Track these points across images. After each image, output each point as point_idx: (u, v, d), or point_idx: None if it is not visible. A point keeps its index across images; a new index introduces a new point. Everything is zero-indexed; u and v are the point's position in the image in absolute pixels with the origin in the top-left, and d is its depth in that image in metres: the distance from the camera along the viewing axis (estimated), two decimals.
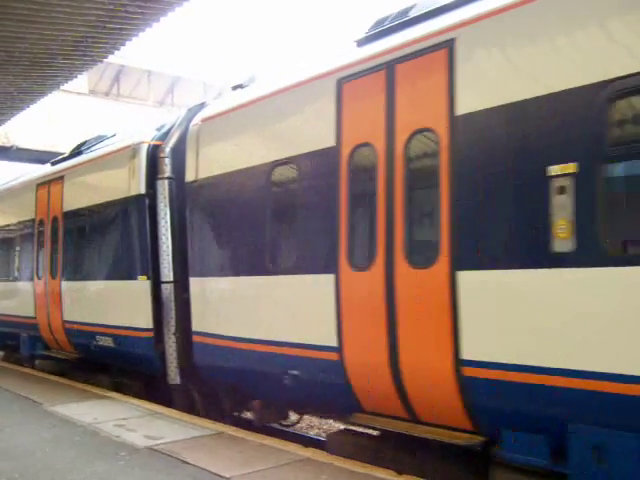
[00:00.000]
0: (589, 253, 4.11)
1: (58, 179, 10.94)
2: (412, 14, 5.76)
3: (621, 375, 3.92)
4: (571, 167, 4.22)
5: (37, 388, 9.75)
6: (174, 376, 7.95)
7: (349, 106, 5.76)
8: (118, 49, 9.87)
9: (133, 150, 8.72)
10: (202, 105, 8.48)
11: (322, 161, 5.97)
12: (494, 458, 4.77)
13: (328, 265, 5.77)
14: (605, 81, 4.12)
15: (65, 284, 10.45)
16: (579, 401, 4.17)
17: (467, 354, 4.73)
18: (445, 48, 5.02)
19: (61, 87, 11.98)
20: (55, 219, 10.93)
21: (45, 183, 11.48)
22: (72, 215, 10.38)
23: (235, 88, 8.17)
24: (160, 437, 6.50)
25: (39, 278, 11.46)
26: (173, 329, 7.92)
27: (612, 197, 4.19)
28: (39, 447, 6.20)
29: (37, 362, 12.43)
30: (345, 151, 5.73)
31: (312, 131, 6.17)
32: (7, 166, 25.49)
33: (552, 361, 4.28)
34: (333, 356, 5.70)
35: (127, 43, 9.60)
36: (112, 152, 9.47)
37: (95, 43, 9.43)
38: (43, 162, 15.20)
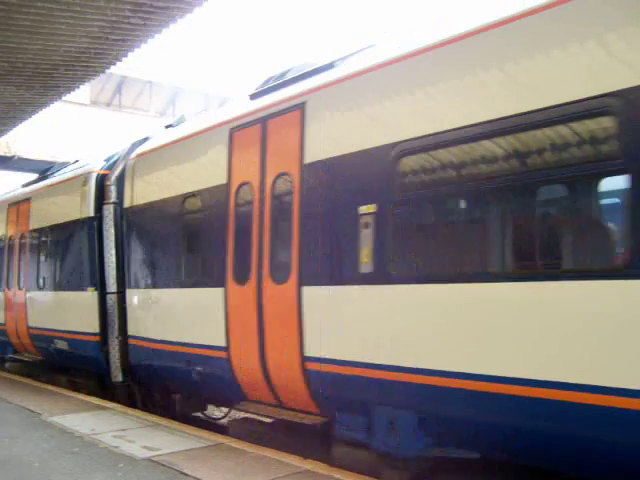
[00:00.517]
0: (381, 274, 5.37)
1: (26, 200, 12.36)
2: (287, 76, 7.09)
3: (400, 367, 5.17)
4: (372, 208, 5.47)
5: (35, 398, 9.72)
6: (117, 374, 9.21)
7: (237, 151, 7.13)
8: (120, 60, 9.95)
9: (85, 178, 10.09)
10: (144, 140, 9.72)
11: (217, 195, 7.28)
12: (333, 435, 5.95)
13: (220, 280, 7.08)
14: (392, 143, 5.33)
15: (29, 294, 11.86)
16: (380, 388, 5.42)
17: (308, 351, 5.98)
18: (299, 109, 6.31)
19: (63, 98, 12.06)
20: (23, 236, 12.37)
21: (16, 204, 12.95)
22: (37, 233, 11.83)
23: (167, 127, 9.71)
24: (159, 448, 6.48)
25: (9, 289, 12.87)
26: (116, 333, 9.16)
27: (397, 231, 5.40)
28: (37, 458, 6.17)
29: (7, 365, 13.85)
30: (233, 188, 7.07)
31: (212, 170, 7.48)
32: (8, 176, 25.56)
33: (366, 356, 5.48)
34: (223, 354, 7.01)
35: (129, 54, 9.67)
36: (69, 179, 10.85)
37: (97, 54, 9.50)
38: (45, 172, 15.37)
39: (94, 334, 9.51)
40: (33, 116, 12.99)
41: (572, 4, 4.33)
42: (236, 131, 7.16)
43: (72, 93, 11.68)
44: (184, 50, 40.21)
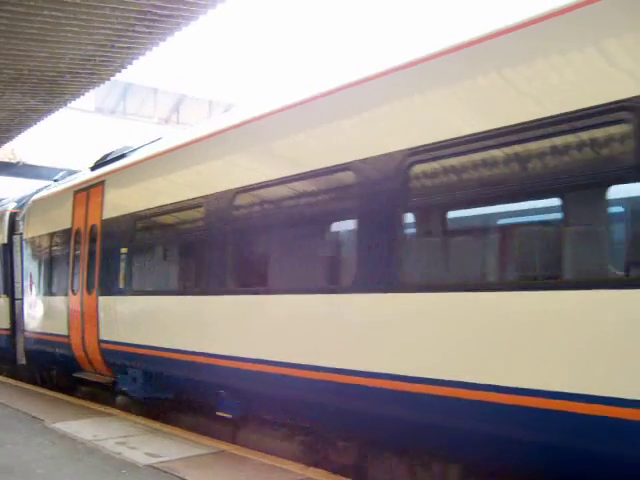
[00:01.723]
0: (125, 289, 8.94)
1: None
2: (108, 158, 10.63)
3: (135, 344, 8.55)
4: (125, 250, 9.04)
5: (38, 404, 9.74)
6: (21, 358, 12.92)
7: (76, 207, 10.67)
8: (125, 68, 10.01)
9: (1, 214, 14.21)
10: (46, 186, 13.32)
11: (65, 235, 10.93)
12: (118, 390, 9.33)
13: (65, 291, 10.69)
14: (132, 213, 9.02)
15: None
16: (131, 358, 8.62)
17: (102, 336, 9.31)
18: (102, 185, 9.87)
19: (68, 105, 12.12)
20: None
21: None
22: None
23: (55, 180, 13.26)
24: (161, 455, 6.48)
25: None
26: (22, 328, 12.60)
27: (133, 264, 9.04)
28: (40, 464, 6.17)
29: None
30: (73, 231, 10.64)
31: (64, 218, 10.96)
32: (13, 183, 25.63)
33: (124, 338, 8.83)
34: (66, 340, 10.43)
35: (134, 62, 9.73)
36: None
37: (103, 62, 9.57)
38: (48, 179, 15.56)
39: (7, 329, 13.49)
40: (38, 123, 13.06)
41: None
42: (77, 193, 10.75)
43: (77, 100, 11.76)
44: (189, 57, 40.32)
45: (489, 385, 4.28)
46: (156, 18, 8.14)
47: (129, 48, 9.08)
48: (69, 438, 7.33)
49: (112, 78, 10.71)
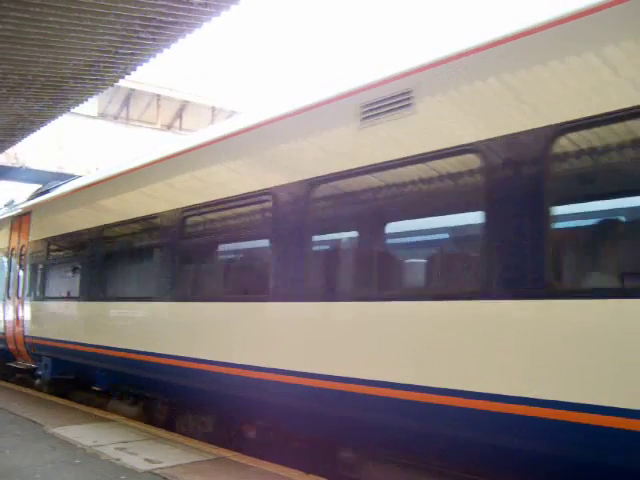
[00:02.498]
0: (39, 296, 12.04)
1: None
2: (40, 191, 14.05)
3: (46, 338, 11.44)
4: (42, 265, 12.17)
5: (38, 409, 9.73)
6: None
7: (13, 230, 13.75)
8: (129, 74, 10.03)
9: None
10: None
11: (6, 252, 13.96)
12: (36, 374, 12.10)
13: (4, 296, 13.71)
14: (46, 238, 12.09)
15: None
16: (45, 349, 11.39)
17: (27, 333, 12.08)
18: (30, 214, 12.86)
19: (71, 110, 12.16)
20: None
21: None
22: None
23: (5, 206, 16.36)
24: (160, 461, 6.47)
25: None
26: None
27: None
28: (39, 469, 6.17)
29: None
30: (10, 248, 13.73)
31: (5, 238, 14.17)
32: (15, 186, 25.69)
33: (40, 334, 11.67)
34: (2, 336, 13.31)
35: (138, 68, 9.76)
36: None
37: (106, 67, 9.59)
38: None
39: None
40: (42, 128, 13.09)
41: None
42: (14, 218, 13.82)
43: (80, 105, 11.79)
44: (192, 64, 40.51)
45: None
46: (160, 25, 8.17)
47: (133, 54, 9.11)
48: (69, 443, 7.32)
49: (115, 84, 10.74)
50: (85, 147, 25.41)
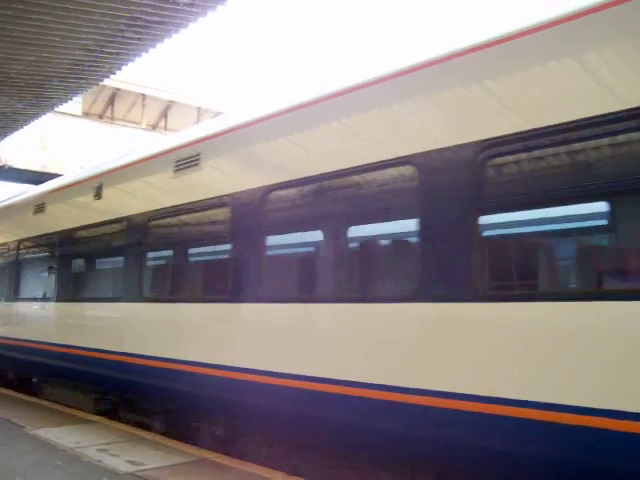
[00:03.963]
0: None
1: None
2: None
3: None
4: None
5: (19, 411, 9.62)
6: None
7: None
8: (114, 73, 9.98)
9: None
10: None
11: None
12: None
13: None
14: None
15: None
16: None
17: None
18: None
19: (55, 109, 12.07)
20: None
21: None
22: None
23: None
24: (143, 463, 6.43)
25: None
26: None
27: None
28: (20, 471, 6.10)
29: None
30: None
31: None
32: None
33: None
34: None
35: (123, 67, 9.71)
36: None
37: (91, 67, 9.54)
38: (35, 183, 15.51)
39: None
40: (25, 126, 12.98)
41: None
42: None
43: (64, 104, 11.70)
44: (178, 63, 40.36)
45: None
46: (146, 25, 8.14)
47: (118, 54, 9.06)
48: (50, 445, 7.25)
49: (100, 83, 10.68)
50: (69, 146, 25.19)
